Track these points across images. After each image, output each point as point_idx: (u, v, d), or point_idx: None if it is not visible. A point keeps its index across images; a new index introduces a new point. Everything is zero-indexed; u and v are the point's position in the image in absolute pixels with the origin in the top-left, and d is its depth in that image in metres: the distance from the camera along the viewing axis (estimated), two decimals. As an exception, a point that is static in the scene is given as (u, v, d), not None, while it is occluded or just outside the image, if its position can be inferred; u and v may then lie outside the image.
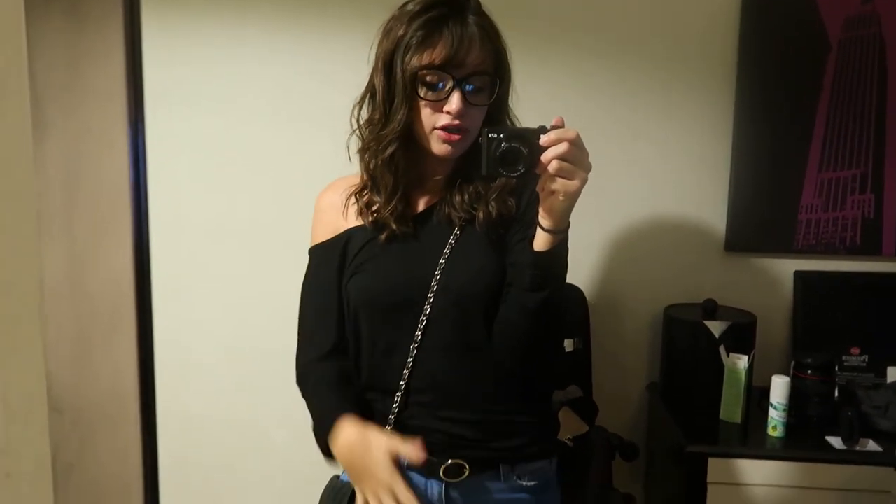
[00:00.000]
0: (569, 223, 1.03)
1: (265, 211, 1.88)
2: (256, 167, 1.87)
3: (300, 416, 2.07)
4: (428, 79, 1.06)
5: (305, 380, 1.21)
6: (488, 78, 1.09)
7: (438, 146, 1.10)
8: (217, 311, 1.93)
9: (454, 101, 1.06)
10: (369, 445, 1.07)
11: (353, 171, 1.22)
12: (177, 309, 1.89)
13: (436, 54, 1.05)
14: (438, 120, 1.08)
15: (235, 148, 1.87)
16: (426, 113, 1.08)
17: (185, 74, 1.84)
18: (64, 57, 0.46)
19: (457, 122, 1.07)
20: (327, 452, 1.14)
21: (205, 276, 1.92)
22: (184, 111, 1.85)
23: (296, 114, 1.84)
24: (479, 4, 1.11)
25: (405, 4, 1.10)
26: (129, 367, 0.60)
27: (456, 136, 1.08)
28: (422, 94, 1.07)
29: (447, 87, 1.06)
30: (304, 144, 1.85)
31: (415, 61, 1.05)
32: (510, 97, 1.16)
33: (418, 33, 1.05)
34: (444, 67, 1.05)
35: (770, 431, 1.57)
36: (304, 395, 1.21)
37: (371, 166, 1.13)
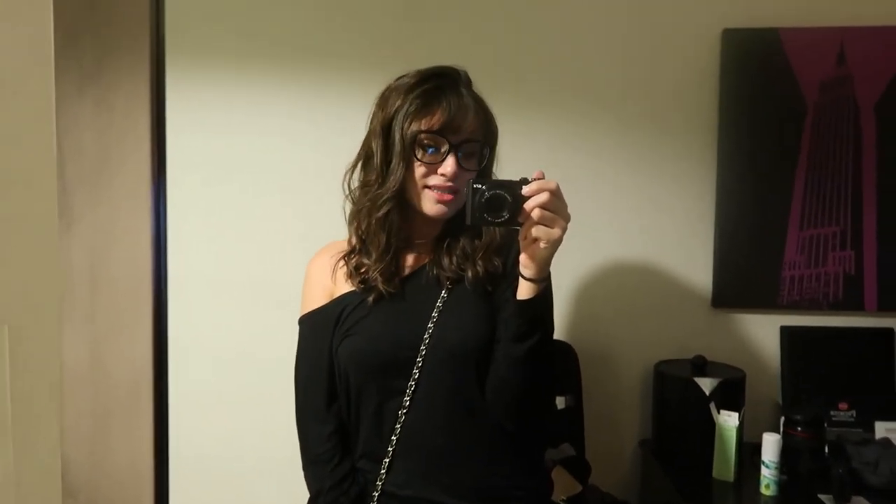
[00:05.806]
0: (549, 272, 1.06)
1: (284, 290, 1.77)
2: (276, 248, 1.84)
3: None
4: (426, 142, 1.11)
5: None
6: (479, 145, 1.15)
7: (432, 206, 1.13)
8: (236, 389, 1.88)
9: (449, 164, 1.11)
10: None
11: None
12: (194, 395, 1.84)
13: (434, 120, 1.10)
14: (431, 180, 1.12)
15: (256, 227, 1.84)
16: (420, 173, 1.12)
17: (210, 154, 1.79)
18: (93, 146, 0.46)
19: (450, 183, 1.11)
20: None
21: (221, 354, 1.87)
22: (206, 192, 1.81)
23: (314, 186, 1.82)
24: (469, 80, 1.17)
25: (400, 78, 1.16)
26: (146, 451, 0.59)
27: (448, 196, 1.13)
28: (418, 156, 1.11)
29: (443, 151, 1.11)
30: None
31: (414, 126, 1.10)
32: (494, 163, 1.21)
33: (417, 101, 1.11)
34: (441, 132, 1.10)
35: (763, 490, 1.57)
36: None
37: (363, 227, 1.16)
